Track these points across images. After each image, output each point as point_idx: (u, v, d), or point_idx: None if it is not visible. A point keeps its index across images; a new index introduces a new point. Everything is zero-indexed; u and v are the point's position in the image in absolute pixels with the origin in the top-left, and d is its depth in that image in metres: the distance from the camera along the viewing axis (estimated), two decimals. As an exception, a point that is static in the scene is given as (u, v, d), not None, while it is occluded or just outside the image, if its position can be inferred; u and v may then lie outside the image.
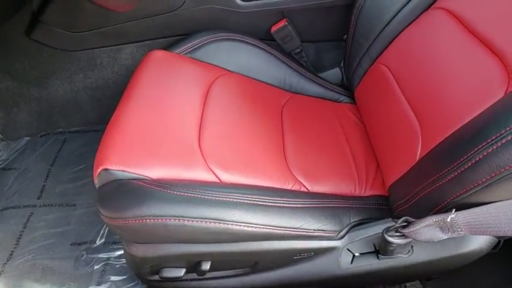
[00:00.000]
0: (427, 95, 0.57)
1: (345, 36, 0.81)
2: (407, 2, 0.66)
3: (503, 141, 0.35)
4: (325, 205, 0.55)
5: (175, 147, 0.57)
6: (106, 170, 0.50)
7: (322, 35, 0.90)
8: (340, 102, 0.84)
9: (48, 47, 0.88)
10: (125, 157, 0.52)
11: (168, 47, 0.79)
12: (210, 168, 0.55)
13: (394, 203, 0.54)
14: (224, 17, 0.83)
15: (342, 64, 0.87)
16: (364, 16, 0.74)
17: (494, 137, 0.37)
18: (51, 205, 0.88)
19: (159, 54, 0.75)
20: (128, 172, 0.50)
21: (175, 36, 0.87)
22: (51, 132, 1.05)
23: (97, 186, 0.52)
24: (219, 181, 0.54)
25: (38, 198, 0.90)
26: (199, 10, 0.81)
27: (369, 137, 0.72)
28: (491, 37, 0.50)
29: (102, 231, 0.82)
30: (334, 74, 0.90)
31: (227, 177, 0.55)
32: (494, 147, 0.36)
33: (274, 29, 0.84)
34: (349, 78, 0.82)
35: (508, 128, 0.36)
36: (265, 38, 0.87)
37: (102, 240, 0.80)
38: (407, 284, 0.66)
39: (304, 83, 0.83)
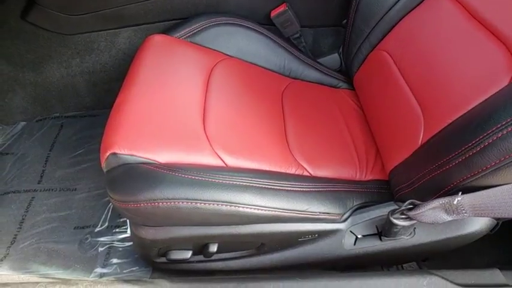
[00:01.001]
0: (431, 80, 0.58)
1: (345, 21, 0.81)
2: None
3: (509, 129, 0.37)
4: (329, 189, 0.57)
5: (181, 131, 0.57)
6: (114, 154, 0.51)
7: (321, 20, 0.89)
8: (338, 87, 0.85)
9: (44, 30, 0.86)
10: (133, 141, 0.52)
11: (167, 31, 0.78)
12: (216, 153, 0.56)
13: (396, 186, 0.57)
14: (224, 0, 0.82)
15: (340, 50, 0.88)
16: (365, 1, 0.74)
17: (504, 122, 0.38)
18: (52, 189, 0.88)
19: (159, 39, 0.75)
20: (137, 156, 0.51)
21: (174, 20, 0.86)
22: (47, 117, 1.03)
23: (105, 170, 0.53)
24: (225, 165, 0.55)
25: (39, 183, 0.90)
26: None
27: (368, 122, 0.74)
28: (496, 23, 0.51)
29: (104, 216, 0.82)
30: (332, 59, 0.91)
31: (233, 161, 0.56)
32: (504, 132, 0.38)
33: (274, 13, 0.84)
34: (348, 64, 0.83)
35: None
36: (264, 23, 0.86)
37: (106, 224, 0.80)
38: (405, 265, 0.69)
39: (304, 69, 0.84)
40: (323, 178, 0.61)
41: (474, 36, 0.53)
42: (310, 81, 0.84)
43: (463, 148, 0.42)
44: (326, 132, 0.71)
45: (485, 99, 0.45)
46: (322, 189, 0.57)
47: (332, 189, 0.58)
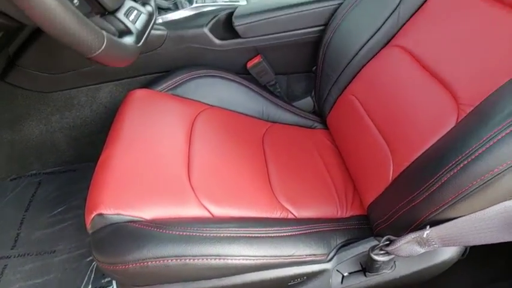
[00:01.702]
0: (393, 121, 0.64)
1: (314, 68, 0.89)
2: (369, 40, 0.73)
3: (461, 165, 0.42)
4: (313, 230, 0.59)
5: (167, 185, 0.59)
6: (100, 215, 0.51)
7: (293, 67, 0.97)
8: (314, 128, 0.90)
9: (23, 89, 0.88)
10: (119, 200, 0.53)
11: (148, 85, 0.82)
12: (202, 204, 0.57)
13: (374, 221, 0.60)
14: (202, 54, 0.88)
15: (313, 94, 0.94)
16: (331, 51, 0.82)
17: (454, 162, 0.43)
18: (28, 254, 0.84)
19: (141, 93, 0.78)
20: (123, 215, 0.51)
21: (155, 73, 0.90)
22: (23, 175, 1.01)
23: (90, 231, 0.53)
24: (211, 216, 0.56)
25: (12, 248, 0.85)
26: (178, 49, 0.85)
27: (344, 160, 0.78)
28: (441, 72, 0.58)
29: (87, 277, 0.79)
30: (306, 102, 0.97)
31: (219, 211, 0.58)
32: (455, 170, 0.42)
33: (249, 65, 0.90)
34: (320, 107, 0.88)
35: (463, 154, 0.42)
36: (241, 72, 0.92)
37: (89, 286, 0.77)
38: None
39: (281, 113, 0.89)
40: (307, 219, 0.63)
41: (424, 83, 0.60)
42: (288, 124, 0.89)
43: (425, 186, 0.46)
44: (306, 172, 0.74)
45: (439, 139, 0.50)
46: (307, 231, 0.59)
47: (316, 230, 0.60)
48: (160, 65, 0.88)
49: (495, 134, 0.41)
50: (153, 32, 0.79)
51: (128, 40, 0.47)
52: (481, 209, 0.43)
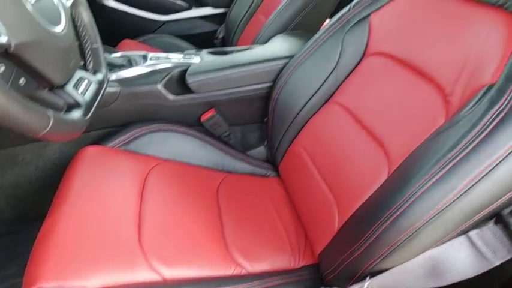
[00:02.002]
0: (336, 173, 0.69)
1: (266, 119, 0.94)
2: (312, 96, 0.80)
3: (391, 219, 0.46)
4: (267, 285, 0.60)
5: (115, 249, 0.57)
6: (41, 288, 0.48)
7: (247, 119, 1.01)
8: (268, 176, 0.93)
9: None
10: (62, 269, 0.51)
11: (100, 141, 0.81)
12: (153, 267, 0.56)
13: (323, 272, 0.62)
14: (156, 109, 0.90)
15: (266, 143, 0.99)
16: (279, 106, 0.88)
17: (384, 216, 0.47)
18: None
19: (92, 150, 0.77)
20: (66, 287, 0.49)
21: (108, 128, 0.89)
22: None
23: None
24: (162, 280, 0.55)
25: None
26: (131, 105, 0.87)
27: (296, 209, 0.81)
28: (374, 129, 0.65)
29: None
30: (261, 151, 1.01)
31: (171, 273, 0.57)
32: (386, 224, 0.47)
33: (203, 118, 0.93)
34: (273, 156, 0.93)
35: (391, 209, 0.47)
36: (196, 124, 0.95)
37: None
38: None
39: (236, 163, 0.91)
40: (260, 273, 0.63)
41: (360, 137, 0.66)
42: (242, 173, 0.91)
43: (363, 238, 0.50)
44: (260, 224, 0.76)
45: (374, 192, 0.56)
46: (261, 286, 0.60)
47: (270, 284, 0.61)
48: (114, 120, 0.88)
49: (416, 191, 0.46)
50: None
51: (76, 114, 0.48)
52: (412, 259, 0.47)
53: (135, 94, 0.86)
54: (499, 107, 0.45)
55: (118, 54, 0.94)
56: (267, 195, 0.84)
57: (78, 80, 0.51)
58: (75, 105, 0.49)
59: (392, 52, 0.69)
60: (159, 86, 0.87)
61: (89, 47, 0.58)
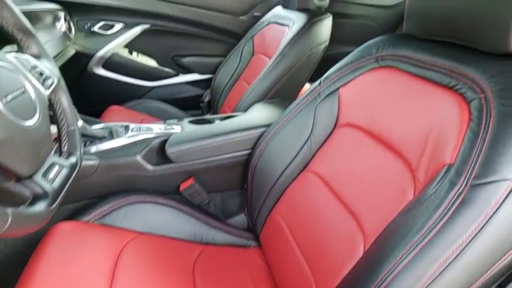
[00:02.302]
0: (313, 247, 0.68)
1: (245, 185, 0.94)
2: (288, 165, 0.82)
3: None
4: None
5: None
6: None
7: (226, 186, 1.02)
8: (248, 247, 0.91)
9: None
10: None
11: (75, 215, 0.80)
12: None
13: None
14: (134, 180, 0.90)
15: (246, 211, 0.98)
16: (257, 174, 0.89)
17: None
18: None
19: (66, 226, 0.75)
20: None
21: (85, 200, 0.88)
22: None
23: None
24: None
25: None
26: (110, 177, 0.87)
27: (275, 281, 0.78)
28: (348, 201, 0.66)
29: None
30: (241, 218, 0.99)
31: None
32: None
33: (182, 187, 0.93)
34: (253, 225, 0.91)
35: None
36: (174, 193, 0.95)
37: None
38: None
39: (214, 233, 0.90)
40: None
41: (335, 209, 0.66)
42: (221, 245, 0.89)
43: None
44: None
45: (351, 269, 0.54)
46: None
47: None
48: (91, 192, 0.88)
49: (386, 276, 0.45)
50: (84, 162, 0.82)
51: (40, 206, 0.47)
52: None
53: (114, 166, 0.87)
54: (458, 190, 0.46)
55: (100, 126, 0.96)
56: (246, 269, 0.81)
57: (49, 166, 0.51)
58: (42, 195, 0.48)
59: (361, 124, 0.72)
60: (138, 158, 0.88)
61: (65, 130, 0.60)
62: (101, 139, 0.91)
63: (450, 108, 0.56)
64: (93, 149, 0.88)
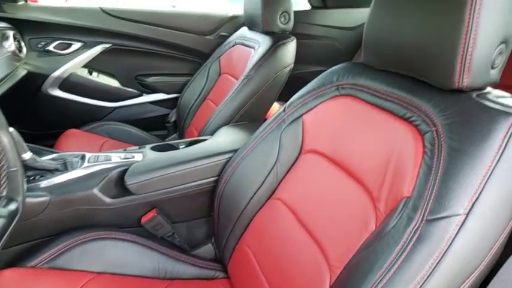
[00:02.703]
0: (280, 279, 0.66)
1: (212, 213, 0.91)
2: (255, 193, 0.80)
3: None
4: None
5: None
6: None
7: (192, 215, 0.98)
8: (216, 279, 0.87)
9: None
10: None
11: (20, 259, 0.73)
12: None
13: None
14: (91, 215, 0.84)
15: (213, 240, 0.94)
16: (224, 202, 0.86)
17: None
18: None
19: (7, 275, 0.68)
20: None
21: (34, 241, 0.81)
22: None
23: None
24: None
25: None
26: (63, 213, 0.80)
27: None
28: (313, 229, 0.65)
29: None
30: (208, 248, 0.96)
31: None
32: None
33: (144, 220, 0.88)
34: (220, 254, 0.88)
35: None
36: (136, 227, 0.89)
37: None
38: None
39: (180, 267, 0.85)
40: None
41: (301, 238, 0.65)
42: (187, 279, 0.84)
43: None
44: None
45: None
46: None
47: None
48: (40, 232, 0.80)
49: None
50: (32, 200, 0.75)
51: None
52: None
53: (68, 201, 0.80)
54: (415, 225, 0.47)
55: (52, 157, 0.89)
56: (213, 304, 0.78)
57: (-18, 217, 0.46)
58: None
59: (324, 151, 0.72)
60: (95, 191, 0.82)
61: (5, 172, 0.54)
62: (53, 172, 0.85)
63: (406, 139, 0.57)
64: (44, 183, 0.81)
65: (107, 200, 0.84)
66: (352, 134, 0.67)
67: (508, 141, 0.46)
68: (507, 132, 0.46)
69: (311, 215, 0.68)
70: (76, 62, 1.49)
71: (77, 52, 1.49)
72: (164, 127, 1.72)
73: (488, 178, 0.45)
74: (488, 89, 0.54)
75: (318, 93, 0.77)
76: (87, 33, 1.48)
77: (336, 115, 0.73)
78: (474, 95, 0.53)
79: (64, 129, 1.40)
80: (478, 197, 0.44)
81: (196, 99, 1.50)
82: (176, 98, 1.68)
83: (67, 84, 1.50)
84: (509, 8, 0.49)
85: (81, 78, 1.53)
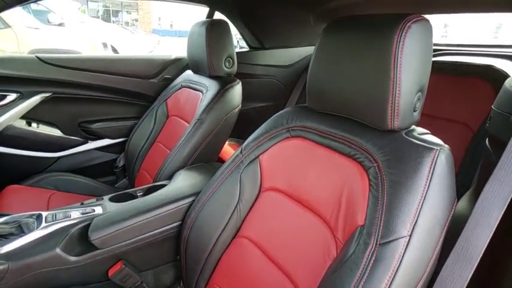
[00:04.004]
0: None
1: (179, 257, 0.93)
2: (221, 233, 0.85)
3: None
4: None
5: None
6: None
7: (158, 262, 0.99)
8: (188, 322, 0.89)
9: None
10: None
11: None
12: None
13: None
14: (55, 276, 0.81)
15: (181, 284, 0.96)
16: (190, 247, 0.90)
17: None
18: None
19: None
20: None
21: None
22: None
23: None
24: None
25: None
26: (23, 280, 0.77)
27: None
28: (281, 262, 0.72)
29: None
30: (178, 293, 0.97)
31: None
32: None
33: (111, 273, 0.88)
34: (191, 298, 0.90)
35: None
36: (103, 281, 0.88)
37: None
38: None
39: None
40: None
41: (270, 272, 0.72)
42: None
43: None
44: None
45: None
46: None
47: None
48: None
49: None
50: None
51: None
52: None
53: (29, 266, 0.77)
54: (371, 249, 0.56)
55: (4, 220, 0.85)
56: None
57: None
58: None
59: (282, 187, 0.81)
60: (58, 250, 0.80)
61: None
62: (7, 236, 0.81)
63: (354, 174, 0.67)
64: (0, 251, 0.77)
65: (71, 258, 0.82)
66: (306, 171, 0.78)
67: (433, 171, 0.57)
68: (431, 164, 0.58)
69: (277, 248, 0.75)
70: (12, 113, 1.41)
71: (13, 103, 1.42)
72: (112, 172, 1.68)
73: (422, 203, 0.56)
74: (413, 127, 0.67)
75: (271, 135, 0.87)
76: (23, 83, 1.43)
77: (289, 154, 0.83)
78: (403, 133, 0.65)
79: (4, 184, 1.30)
80: (416, 220, 0.55)
81: (145, 143, 1.51)
82: (123, 142, 1.67)
83: (3, 138, 1.41)
84: (420, 66, 0.62)
85: (19, 130, 1.45)
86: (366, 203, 0.62)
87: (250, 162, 0.89)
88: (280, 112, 0.90)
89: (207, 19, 1.38)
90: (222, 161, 1.65)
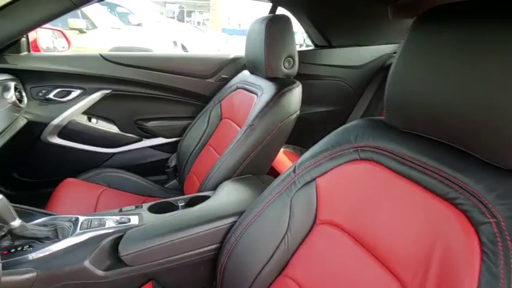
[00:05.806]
0: None
1: (214, 283, 0.82)
2: (263, 267, 0.72)
3: None
4: None
5: None
6: None
7: (191, 285, 0.89)
8: None
9: None
10: None
11: None
12: None
13: None
14: (81, 290, 0.75)
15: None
16: (228, 276, 0.78)
17: None
18: None
19: None
20: None
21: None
22: None
23: None
24: None
25: None
26: None
27: None
28: None
29: None
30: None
31: None
32: None
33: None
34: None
35: None
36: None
37: None
38: None
39: None
40: None
41: None
42: None
43: None
44: None
45: None
46: None
47: None
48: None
49: None
50: (16, 277, 0.67)
51: None
52: None
53: (57, 276, 0.72)
54: None
55: (43, 222, 0.82)
56: None
57: None
58: None
59: (343, 224, 0.65)
60: (86, 263, 0.74)
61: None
62: (43, 240, 0.77)
63: (453, 227, 0.47)
64: (31, 255, 0.73)
65: (99, 273, 0.76)
66: (376, 206, 0.60)
67: None
68: None
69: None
70: (75, 109, 1.46)
71: (76, 99, 1.46)
72: (164, 172, 1.66)
73: None
74: None
75: (333, 154, 0.70)
76: (87, 80, 1.46)
77: (355, 182, 0.65)
78: None
79: (63, 176, 1.34)
80: None
81: (196, 145, 1.45)
82: (176, 142, 1.63)
83: (66, 131, 1.46)
84: None
85: (80, 125, 1.49)
86: (476, 278, 0.42)
87: (304, 184, 0.73)
88: (346, 125, 0.73)
89: (268, 15, 1.24)
90: (274, 172, 1.53)
